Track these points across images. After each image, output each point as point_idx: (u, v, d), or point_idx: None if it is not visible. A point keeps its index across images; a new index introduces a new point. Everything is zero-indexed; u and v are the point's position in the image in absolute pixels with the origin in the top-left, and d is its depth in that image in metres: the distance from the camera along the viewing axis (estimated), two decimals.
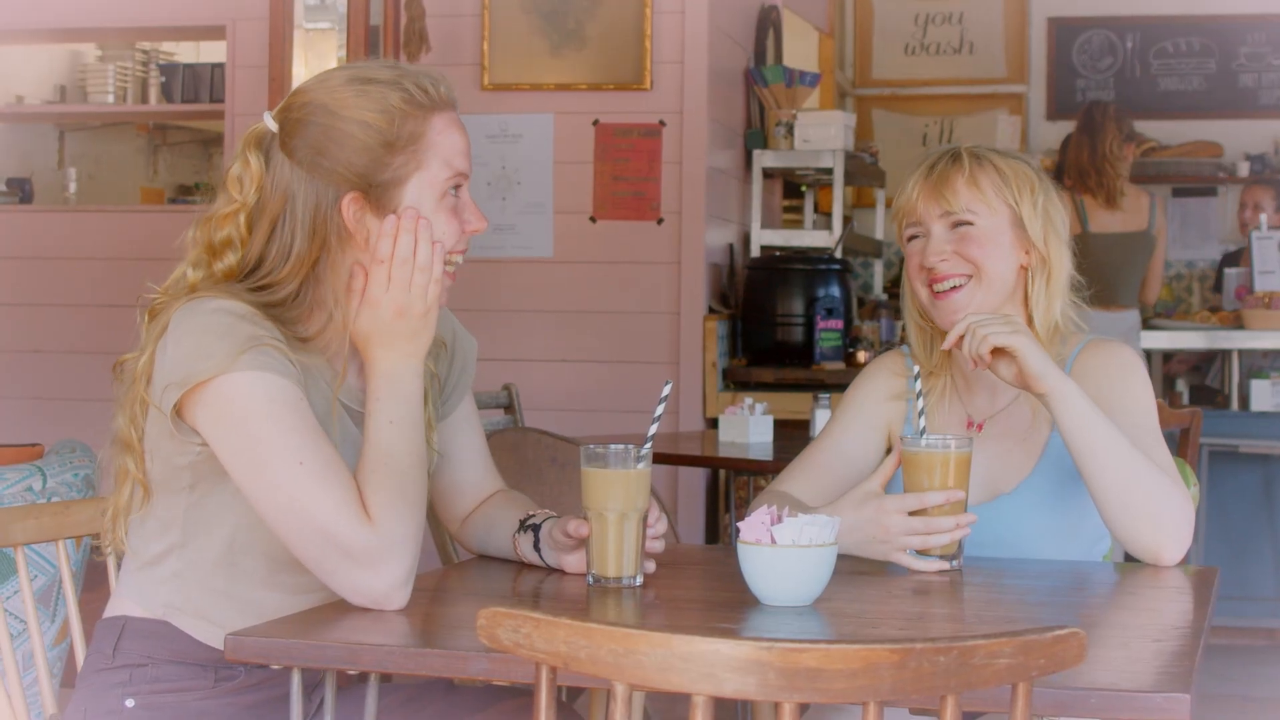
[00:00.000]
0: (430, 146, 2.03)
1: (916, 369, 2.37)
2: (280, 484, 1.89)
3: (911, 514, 2.18)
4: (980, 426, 2.46)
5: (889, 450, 2.53)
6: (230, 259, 2.03)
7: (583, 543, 2.09)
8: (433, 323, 2.03)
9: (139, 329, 2.04)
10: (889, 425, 2.52)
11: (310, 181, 2.01)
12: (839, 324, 5.64)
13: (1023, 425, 2.44)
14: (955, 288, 2.41)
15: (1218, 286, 7.45)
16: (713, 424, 5.51)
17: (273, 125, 2.06)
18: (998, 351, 2.27)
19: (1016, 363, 2.26)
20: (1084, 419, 2.23)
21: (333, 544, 1.88)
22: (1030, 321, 2.43)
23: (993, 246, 2.40)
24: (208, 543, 2.02)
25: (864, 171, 6.41)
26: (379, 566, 1.89)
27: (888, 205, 6.54)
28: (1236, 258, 7.21)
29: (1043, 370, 2.24)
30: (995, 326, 2.26)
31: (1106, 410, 2.32)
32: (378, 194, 2.02)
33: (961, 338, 2.30)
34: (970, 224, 2.40)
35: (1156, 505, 2.23)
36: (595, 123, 5.63)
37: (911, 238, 2.45)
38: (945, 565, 2.18)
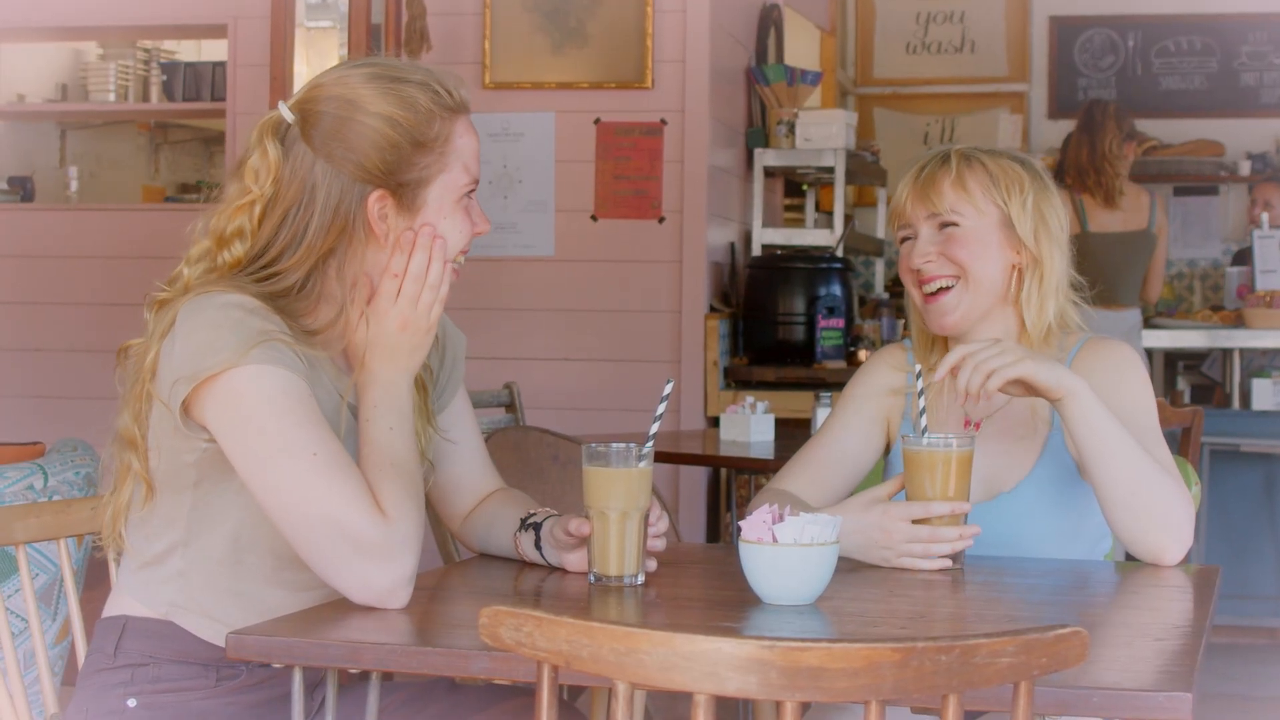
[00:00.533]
0: (454, 150, 2.06)
1: (919, 368, 2.37)
2: (291, 477, 1.89)
3: (916, 522, 2.19)
4: (978, 425, 2.45)
5: (888, 446, 2.53)
6: (238, 249, 2.04)
7: (584, 541, 2.09)
8: (430, 340, 2.06)
9: (145, 324, 2.04)
10: (888, 419, 2.52)
11: (336, 175, 2.02)
12: (840, 323, 5.64)
13: (1021, 423, 2.44)
14: (943, 289, 2.40)
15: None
16: (714, 423, 5.51)
17: (289, 116, 2.05)
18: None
19: (1026, 382, 2.24)
20: (1097, 422, 2.22)
21: (344, 536, 1.89)
22: (1022, 322, 2.43)
23: (979, 247, 2.39)
24: (212, 540, 2.02)
25: (865, 170, 6.41)
26: (388, 561, 1.89)
27: (889, 204, 6.54)
28: (1245, 256, 7.20)
29: (1055, 380, 2.22)
30: (996, 359, 2.22)
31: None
32: (403, 193, 2.03)
33: (956, 369, 2.27)
34: (956, 225, 2.40)
35: (1162, 507, 2.23)
36: (596, 121, 5.63)
37: (903, 240, 2.46)
38: (947, 564, 2.18)
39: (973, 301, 2.40)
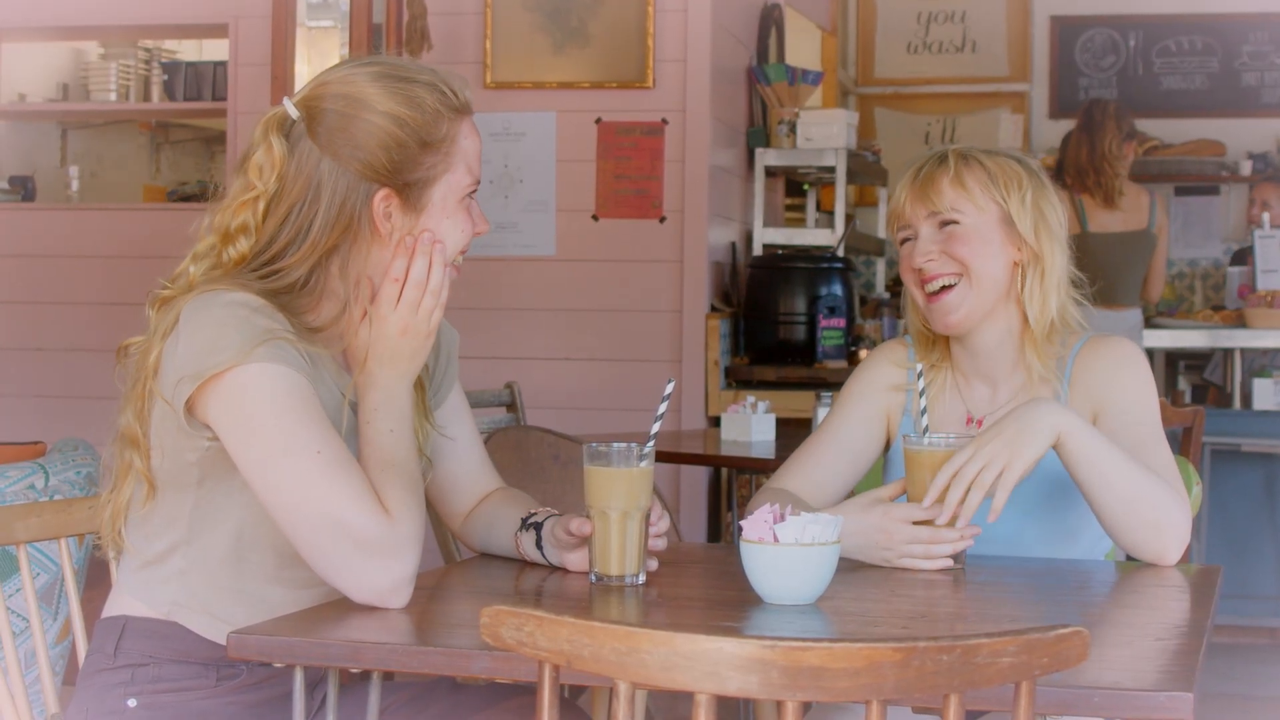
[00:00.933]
0: (459, 150, 2.07)
1: (920, 367, 2.37)
2: (295, 475, 1.89)
3: (917, 523, 2.18)
4: (980, 423, 2.46)
5: (889, 442, 2.53)
6: (243, 245, 2.04)
7: (585, 541, 2.09)
8: (431, 344, 2.06)
9: (148, 321, 2.04)
10: (888, 415, 2.52)
11: (342, 173, 2.02)
12: (841, 322, 5.64)
13: None
14: (946, 288, 2.40)
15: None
16: (715, 422, 5.51)
17: (294, 112, 2.05)
18: None
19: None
20: (1090, 453, 2.20)
21: (347, 535, 1.88)
22: (1025, 319, 2.43)
23: (980, 244, 2.40)
24: (215, 538, 2.02)
25: (866, 170, 6.41)
26: (391, 559, 1.89)
27: (889, 205, 6.52)
28: (1244, 256, 7.21)
29: (1046, 440, 2.18)
30: (989, 472, 2.15)
31: (1106, 407, 2.33)
32: (408, 192, 2.03)
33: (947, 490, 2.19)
34: (956, 223, 2.40)
35: (1158, 515, 2.22)
36: (598, 121, 5.63)
37: (904, 241, 2.46)
38: (949, 564, 2.18)
39: (976, 299, 2.40)
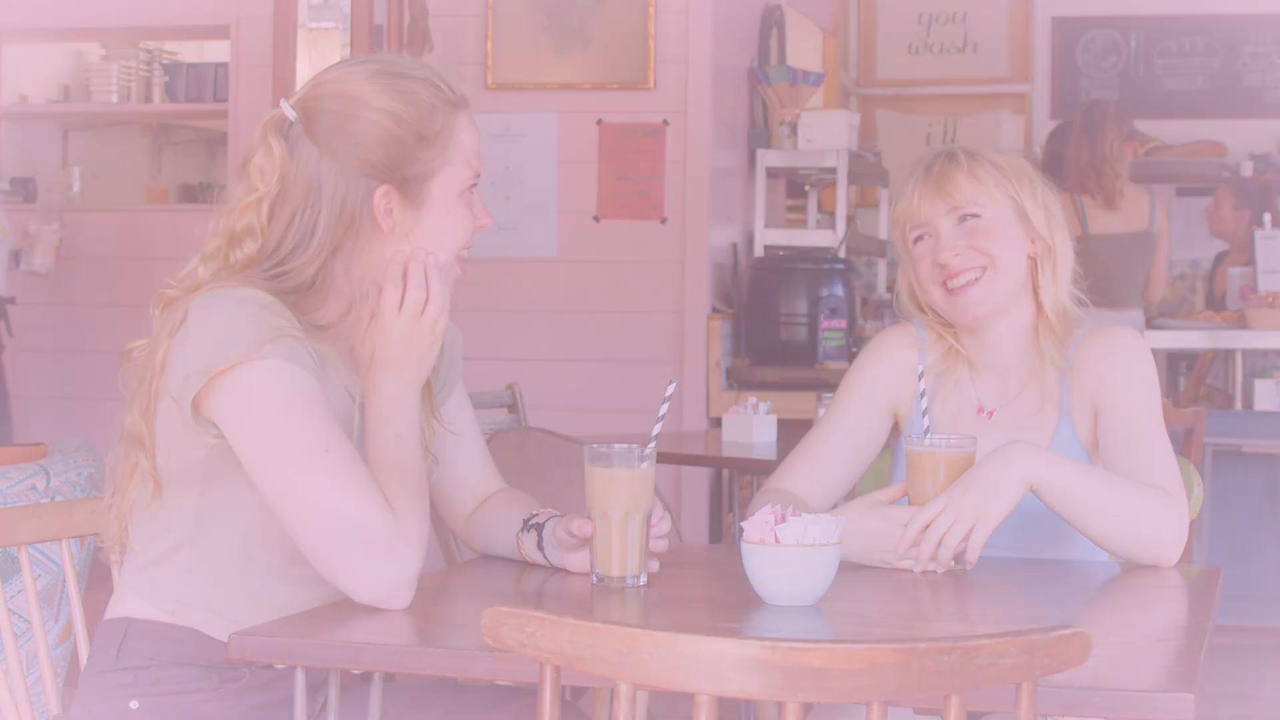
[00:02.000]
0: (457, 144, 2.07)
1: (921, 368, 2.37)
2: (303, 472, 1.89)
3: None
4: (991, 414, 2.46)
5: (894, 427, 2.53)
6: (250, 248, 2.04)
7: (586, 542, 2.09)
8: (437, 351, 2.05)
9: (152, 322, 2.04)
10: (895, 404, 2.51)
11: (341, 172, 2.02)
12: (843, 323, 5.64)
13: (1032, 411, 2.44)
14: (970, 282, 2.41)
15: (1211, 282, 7.48)
16: (716, 423, 5.50)
17: (291, 114, 2.06)
18: None
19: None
20: (1066, 489, 2.20)
21: (354, 533, 1.88)
22: (1039, 308, 2.44)
23: (1002, 236, 2.42)
24: (220, 537, 2.02)
25: (867, 171, 6.41)
26: (396, 559, 1.89)
27: (892, 206, 6.50)
28: (1222, 258, 7.23)
29: (1019, 491, 2.18)
30: (960, 527, 2.14)
31: (1104, 399, 2.33)
32: (408, 188, 2.04)
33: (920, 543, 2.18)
34: (978, 216, 2.41)
35: (1151, 530, 2.22)
36: (599, 122, 5.64)
37: (918, 240, 2.46)
38: (951, 564, 2.18)
39: (1001, 291, 2.42)
